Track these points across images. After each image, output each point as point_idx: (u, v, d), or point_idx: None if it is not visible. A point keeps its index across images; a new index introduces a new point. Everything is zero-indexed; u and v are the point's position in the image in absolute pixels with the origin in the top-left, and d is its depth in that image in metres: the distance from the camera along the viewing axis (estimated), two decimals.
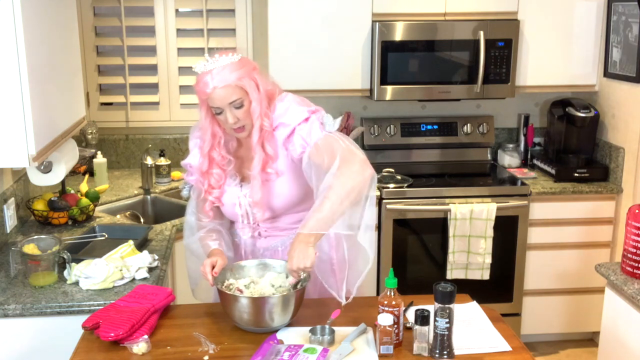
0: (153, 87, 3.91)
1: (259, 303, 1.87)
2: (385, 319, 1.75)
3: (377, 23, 3.49)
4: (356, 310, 2.01)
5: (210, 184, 2.13)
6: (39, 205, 2.84)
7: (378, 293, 3.40)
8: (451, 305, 1.74)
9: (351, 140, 2.04)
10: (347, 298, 2.00)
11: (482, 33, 3.51)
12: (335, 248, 2.16)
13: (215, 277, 1.98)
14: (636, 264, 2.32)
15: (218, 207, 2.20)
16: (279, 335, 1.88)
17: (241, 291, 1.97)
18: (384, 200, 3.45)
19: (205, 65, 1.99)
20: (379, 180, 3.53)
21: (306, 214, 1.96)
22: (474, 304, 2.10)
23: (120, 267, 2.27)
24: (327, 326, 1.87)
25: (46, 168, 2.58)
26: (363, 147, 3.85)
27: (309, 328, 1.87)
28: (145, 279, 2.30)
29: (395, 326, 1.78)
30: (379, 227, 3.48)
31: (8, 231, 2.68)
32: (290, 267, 1.91)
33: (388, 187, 3.49)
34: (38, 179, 2.61)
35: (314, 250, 1.89)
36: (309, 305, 2.02)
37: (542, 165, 3.86)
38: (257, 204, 2.08)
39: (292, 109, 2.05)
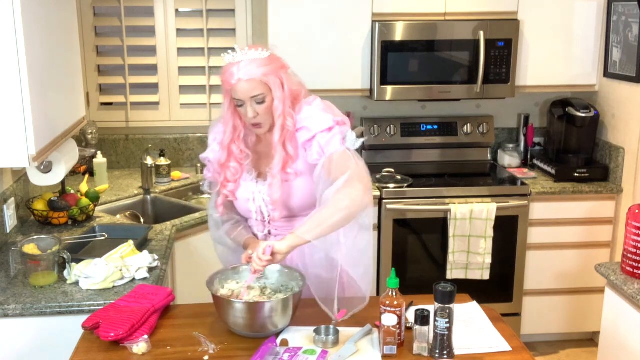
0: (153, 87, 3.91)
1: (253, 309, 1.85)
2: (389, 320, 1.75)
3: (377, 23, 3.49)
4: (359, 310, 2.00)
5: (226, 177, 2.13)
6: (39, 205, 2.84)
7: (378, 293, 3.40)
8: (451, 305, 1.74)
9: (365, 165, 2.05)
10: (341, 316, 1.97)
11: (482, 33, 3.51)
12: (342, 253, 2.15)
13: (215, 281, 1.98)
14: (636, 264, 2.33)
15: (231, 203, 2.20)
16: (284, 335, 1.88)
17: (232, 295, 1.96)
18: (384, 200, 3.45)
19: (234, 56, 1.99)
20: (379, 180, 3.54)
21: None
22: (474, 304, 2.10)
23: (120, 267, 2.26)
24: (331, 326, 1.87)
25: (46, 168, 2.58)
26: (363, 146, 3.85)
27: (313, 328, 1.87)
28: (145, 279, 2.30)
29: (398, 326, 1.78)
30: (379, 227, 3.48)
31: (8, 231, 2.68)
32: (256, 250, 1.92)
33: (388, 187, 3.49)
34: (38, 179, 2.61)
35: (282, 258, 1.92)
36: (314, 305, 2.01)
37: (542, 165, 3.86)
38: (275, 203, 2.08)
39: (317, 115, 2.05)
